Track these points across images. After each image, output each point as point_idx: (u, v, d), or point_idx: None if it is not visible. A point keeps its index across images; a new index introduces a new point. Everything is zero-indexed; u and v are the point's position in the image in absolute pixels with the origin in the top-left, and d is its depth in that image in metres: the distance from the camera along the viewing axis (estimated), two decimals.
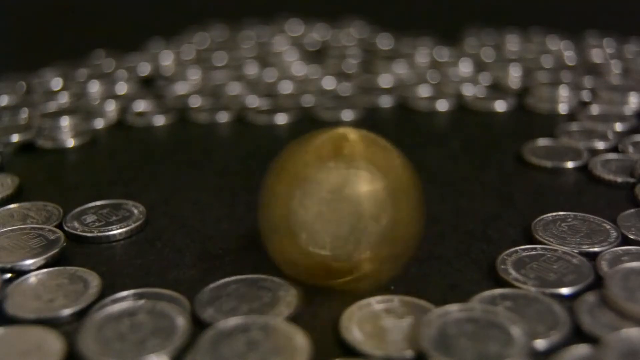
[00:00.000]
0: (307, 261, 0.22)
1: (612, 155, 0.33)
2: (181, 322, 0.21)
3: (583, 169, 0.32)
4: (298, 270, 0.23)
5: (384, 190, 0.22)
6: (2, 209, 0.29)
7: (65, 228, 0.27)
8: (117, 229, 0.27)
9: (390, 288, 0.23)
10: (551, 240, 0.26)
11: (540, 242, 0.26)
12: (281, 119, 0.40)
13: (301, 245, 0.22)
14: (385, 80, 0.46)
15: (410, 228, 0.23)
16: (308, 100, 0.43)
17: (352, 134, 0.22)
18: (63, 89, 0.45)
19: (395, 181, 0.22)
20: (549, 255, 0.24)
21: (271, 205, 0.23)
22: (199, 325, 0.21)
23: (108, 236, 0.27)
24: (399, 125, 0.41)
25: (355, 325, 0.21)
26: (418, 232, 0.23)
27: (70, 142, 0.37)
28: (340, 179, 0.21)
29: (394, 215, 0.22)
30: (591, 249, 0.25)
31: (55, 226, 0.27)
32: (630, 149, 0.34)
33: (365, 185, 0.21)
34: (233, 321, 0.21)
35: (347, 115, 0.41)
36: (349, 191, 0.21)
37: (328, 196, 0.21)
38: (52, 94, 0.44)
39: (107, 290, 0.24)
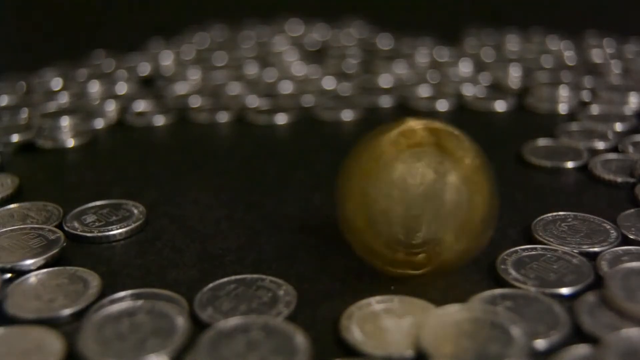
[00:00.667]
0: (389, 251, 0.23)
1: (612, 155, 0.33)
2: (181, 322, 0.21)
3: (583, 169, 0.32)
4: (380, 260, 0.23)
5: (460, 178, 0.23)
6: (2, 209, 0.29)
7: (65, 228, 0.27)
8: (117, 229, 0.27)
9: (390, 288, 0.23)
10: (551, 240, 0.26)
11: (540, 242, 0.26)
12: (281, 119, 0.40)
13: (382, 235, 0.23)
14: (385, 80, 0.46)
15: (485, 214, 0.23)
16: (308, 100, 0.43)
17: (423, 125, 0.23)
18: (63, 89, 0.45)
19: (469, 168, 0.23)
20: (549, 255, 0.24)
21: (351, 200, 0.23)
22: (198, 325, 0.21)
23: (108, 236, 0.27)
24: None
25: (355, 325, 0.21)
26: (493, 218, 0.24)
27: (70, 142, 0.37)
28: (416, 169, 0.22)
29: (470, 202, 0.23)
30: (591, 249, 0.25)
31: (55, 226, 0.27)
32: (630, 149, 0.34)
33: (441, 173, 0.22)
34: (233, 321, 0.21)
35: (347, 115, 0.41)
36: (425, 181, 0.22)
37: (405, 187, 0.22)
38: (52, 94, 0.44)
39: (107, 290, 0.24)
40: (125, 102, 0.43)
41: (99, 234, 0.27)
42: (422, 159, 0.22)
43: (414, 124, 0.23)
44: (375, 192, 0.22)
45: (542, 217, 0.27)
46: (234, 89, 0.45)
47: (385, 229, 0.23)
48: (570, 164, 0.33)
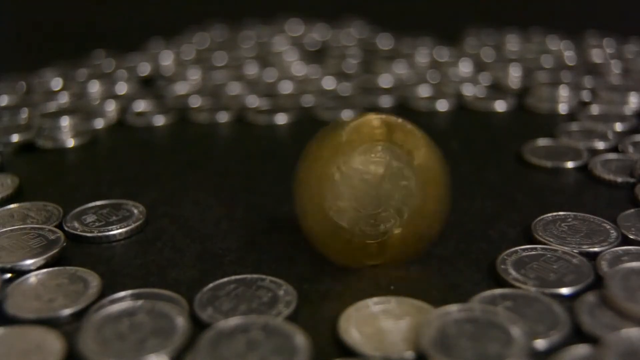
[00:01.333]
0: (340, 240, 0.24)
1: (612, 155, 0.33)
2: (181, 322, 0.21)
3: (583, 169, 0.32)
4: (331, 250, 0.24)
5: (413, 169, 0.23)
6: (2, 209, 0.29)
7: (65, 228, 0.27)
8: (117, 229, 0.27)
9: (390, 288, 0.23)
10: (551, 240, 0.26)
11: (540, 242, 0.26)
12: (281, 119, 0.40)
13: (334, 223, 0.23)
14: (385, 80, 0.46)
15: (438, 205, 0.24)
16: (308, 100, 0.43)
17: (379, 118, 0.24)
18: (63, 89, 0.45)
19: (423, 160, 0.24)
20: (549, 255, 0.24)
21: (306, 188, 0.24)
22: (198, 325, 0.21)
23: (108, 236, 0.27)
24: None
25: (353, 326, 0.21)
26: (445, 209, 0.24)
27: (70, 142, 0.37)
28: (371, 160, 0.23)
29: (424, 192, 0.24)
30: (591, 249, 0.25)
31: (55, 226, 0.27)
32: (630, 149, 0.34)
33: (394, 164, 0.23)
34: (233, 321, 0.21)
35: (347, 115, 0.41)
36: (378, 171, 0.23)
37: (359, 176, 0.23)
38: (52, 94, 0.44)
39: (107, 290, 0.24)
40: (125, 102, 0.43)
41: (99, 234, 0.27)
42: (377, 151, 0.23)
43: (370, 118, 0.24)
44: (330, 181, 0.23)
45: (542, 217, 0.27)
46: (234, 89, 0.45)
47: (339, 218, 0.23)
48: (570, 164, 0.33)
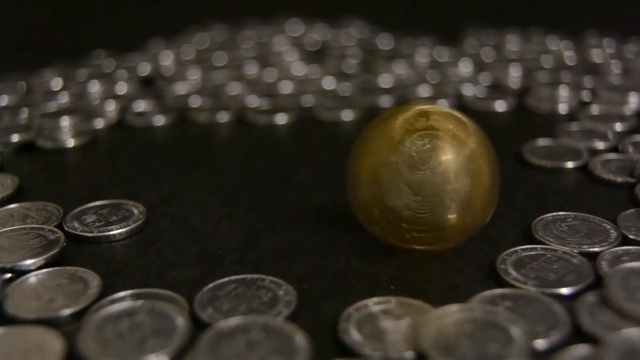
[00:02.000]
0: (395, 227, 0.24)
1: (612, 155, 0.33)
2: (181, 322, 0.21)
3: (583, 169, 0.32)
4: (387, 234, 0.25)
5: (465, 159, 0.24)
6: (2, 209, 0.29)
7: (65, 228, 0.27)
8: (117, 229, 0.27)
9: (390, 288, 0.23)
10: (551, 240, 0.26)
11: (540, 242, 0.26)
12: (281, 119, 0.40)
13: (389, 212, 0.24)
14: (385, 80, 0.46)
15: (488, 195, 0.24)
16: (308, 100, 0.43)
17: (433, 109, 0.25)
18: (63, 89, 0.46)
19: (474, 152, 0.24)
20: (549, 255, 0.24)
21: (362, 178, 0.25)
22: (198, 325, 0.21)
23: (108, 236, 0.27)
24: None
25: (353, 327, 0.21)
26: (495, 199, 0.25)
27: (70, 142, 0.37)
28: (424, 150, 0.23)
29: (474, 182, 0.24)
30: (591, 249, 0.25)
31: (55, 226, 0.27)
32: (630, 149, 0.34)
33: (447, 154, 0.23)
34: (233, 321, 0.21)
35: (347, 115, 0.41)
36: (433, 161, 0.23)
37: (413, 167, 0.23)
38: (52, 94, 0.44)
39: (107, 290, 0.24)
40: (125, 102, 0.43)
41: (99, 234, 0.27)
42: (430, 141, 0.23)
43: (425, 108, 0.24)
44: (384, 171, 0.24)
45: (542, 217, 0.27)
46: (234, 89, 0.45)
47: (392, 206, 0.24)
48: (570, 164, 0.33)
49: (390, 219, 0.24)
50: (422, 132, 0.24)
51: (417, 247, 0.25)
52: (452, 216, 0.24)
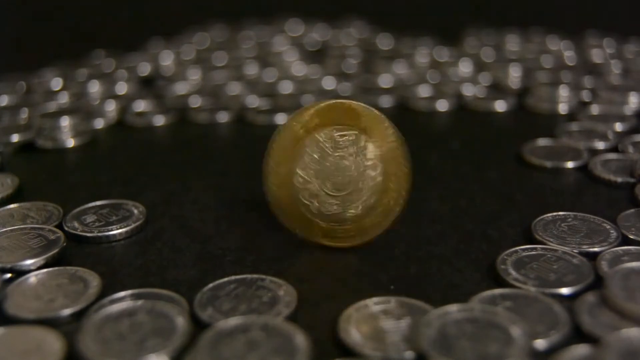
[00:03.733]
0: (309, 223, 0.25)
1: (612, 155, 0.33)
2: (181, 322, 0.21)
3: (583, 169, 0.32)
4: (296, 224, 0.26)
5: (378, 157, 0.24)
6: (2, 209, 0.29)
7: (65, 228, 0.27)
8: (117, 229, 0.27)
9: (390, 288, 0.23)
10: (551, 240, 0.26)
11: (540, 242, 0.26)
12: (281, 119, 0.40)
13: (302, 208, 0.25)
14: (385, 80, 0.46)
15: (399, 194, 0.25)
16: (308, 100, 0.43)
17: (345, 104, 0.25)
18: (63, 89, 0.45)
19: (387, 149, 0.25)
20: (549, 255, 0.24)
21: (275, 177, 0.25)
22: (198, 325, 0.21)
23: (108, 236, 0.27)
24: (399, 125, 0.41)
25: (353, 327, 0.21)
26: (406, 187, 0.25)
27: (70, 142, 0.37)
28: (335, 146, 0.24)
29: (385, 180, 0.25)
30: (591, 249, 0.25)
31: (55, 226, 0.27)
32: (630, 149, 0.34)
33: (359, 152, 0.25)
34: (233, 321, 0.21)
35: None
36: (343, 158, 0.24)
37: (322, 163, 0.25)
38: (52, 94, 0.44)
39: (107, 290, 0.24)
40: (125, 102, 0.43)
41: (99, 234, 0.27)
42: (341, 137, 0.25)
43: (336, 103, 0.25)
44: (294, 168, 0.25)
45: (542, 217, 0.27)
46: (234, 89, 0.45)
47: (303, 202, 0.25)
48: (570, 164, 0.33)
49: (302, 212, 0.25)
50: (334, 126, 0.25)
51: (329, 243, 0.25)
52: (364, 211, 0.25)
